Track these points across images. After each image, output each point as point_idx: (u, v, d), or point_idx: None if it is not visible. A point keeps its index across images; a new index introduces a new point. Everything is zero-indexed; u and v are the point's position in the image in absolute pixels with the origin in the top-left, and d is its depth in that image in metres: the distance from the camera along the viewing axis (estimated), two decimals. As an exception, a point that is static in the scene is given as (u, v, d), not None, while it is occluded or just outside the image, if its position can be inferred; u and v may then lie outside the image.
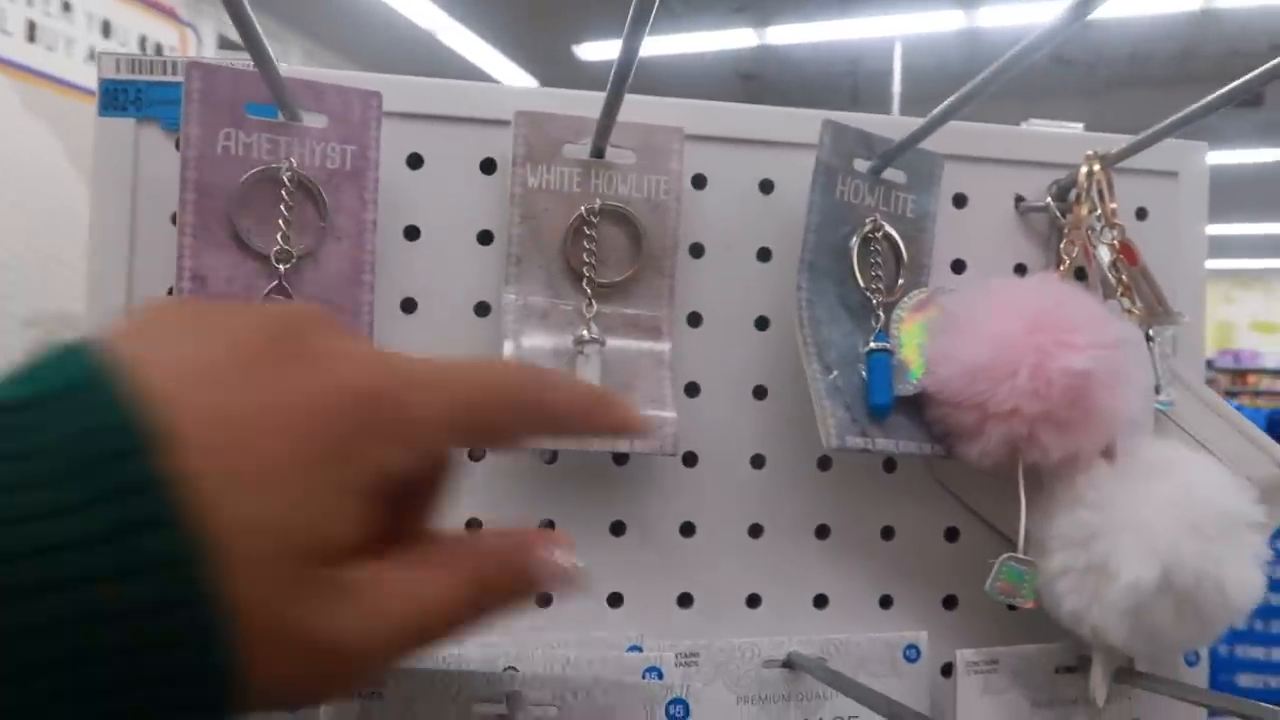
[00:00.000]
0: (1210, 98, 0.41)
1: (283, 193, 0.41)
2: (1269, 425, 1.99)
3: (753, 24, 5.09)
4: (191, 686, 0.20)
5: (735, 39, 5.29)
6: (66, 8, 2.63)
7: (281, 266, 0.41)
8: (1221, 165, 6.89)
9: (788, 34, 5.16)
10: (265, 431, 0.21)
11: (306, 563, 0.21)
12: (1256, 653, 2.20)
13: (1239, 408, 1.92)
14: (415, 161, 0.46)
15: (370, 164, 0.43)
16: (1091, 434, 0.43)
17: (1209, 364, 9.63)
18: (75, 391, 0.20)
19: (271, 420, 0.21)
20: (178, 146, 0.41)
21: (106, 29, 2.79)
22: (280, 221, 0.41)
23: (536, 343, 0.44)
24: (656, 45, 5.31)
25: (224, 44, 4.59)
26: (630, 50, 0.36)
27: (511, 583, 0.25)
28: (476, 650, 0.42)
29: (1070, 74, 5.65)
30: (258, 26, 0.35)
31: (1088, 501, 0.43)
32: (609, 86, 0.40)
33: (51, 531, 0.19)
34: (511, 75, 5.54)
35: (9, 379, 0.21)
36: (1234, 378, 9.39)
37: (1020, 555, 0.43)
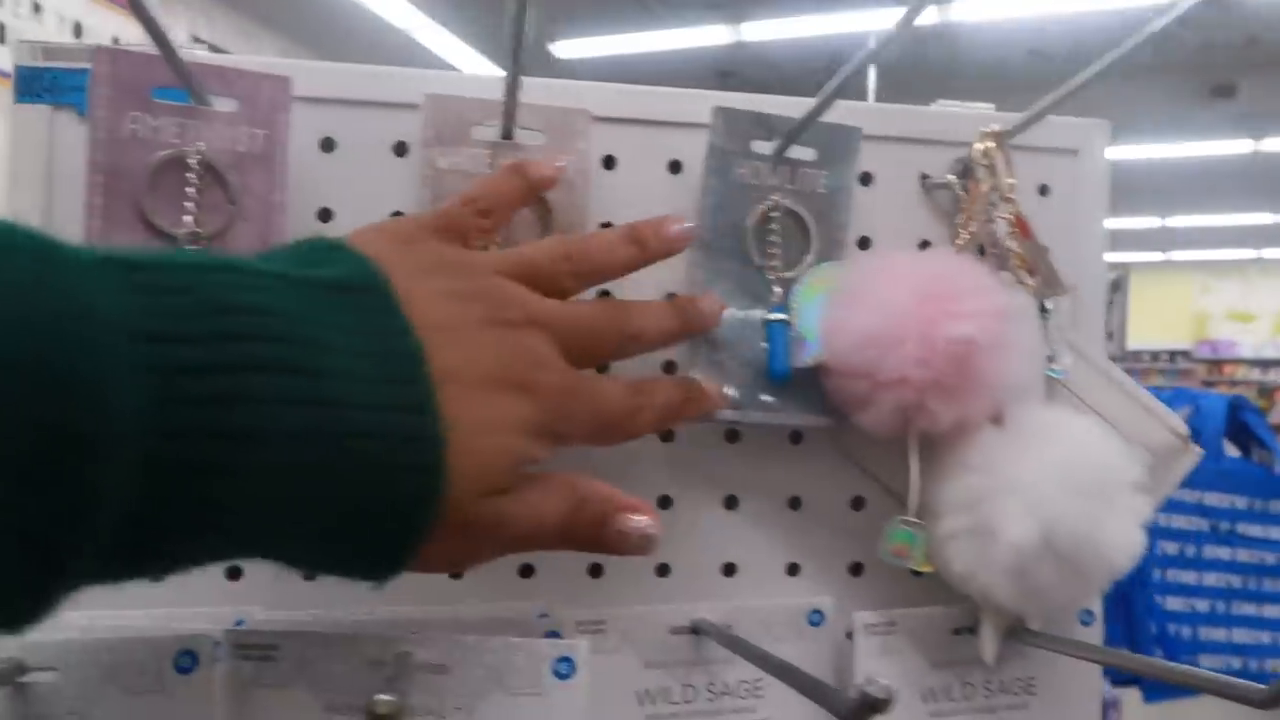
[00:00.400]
0: (1090, 70, 0.43)
1: (191, 175, 0.42)
2: (1229, 410, 2.02)
3: (727, 20, 5.11)
4: (391, 535, 0.29)
5: (711, 36, 5.31)
6: (37, 9, 2.62)
7: (191, 248, 0.42)
8: (1195, 157, 6.96)
9: (763, 30, 5.18)
10: (488, 390, 0.32)
11: (489, 485, 0.31)
12: (1218, 634, 2.24)
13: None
14: (328, 145, 0.47)
15: (279, 147, 0.44)
16: (978, 400, 0.44)
17: (1186, 354, 9.73)
18: (369, 289, 0.30)
19: (492, 384, 0.32)
20: (90, 131, 0.42)
21: (78, 30, 2.78)
22: (188, 204, 0.42)
23: (444, 319, 0.45)
24: (634, 43, 5.33)
25: (196, 43, 4.59)
26: (518, 29, 0.38)
27: (599, 531, 0.35)
28: (383, 614, 0.43)
29: (1049, 66, 5.70)
30: (152, 11, 0.36)
31: (974, 466, 0.44)
32: (508, 67, 0.41)
33: (358, 394, 0.27)
34: (486, 72, 5.55)
35: (298, 254, 0.32)
36: (1211, 368, 9.50)
37: (911, 519, 0.45)
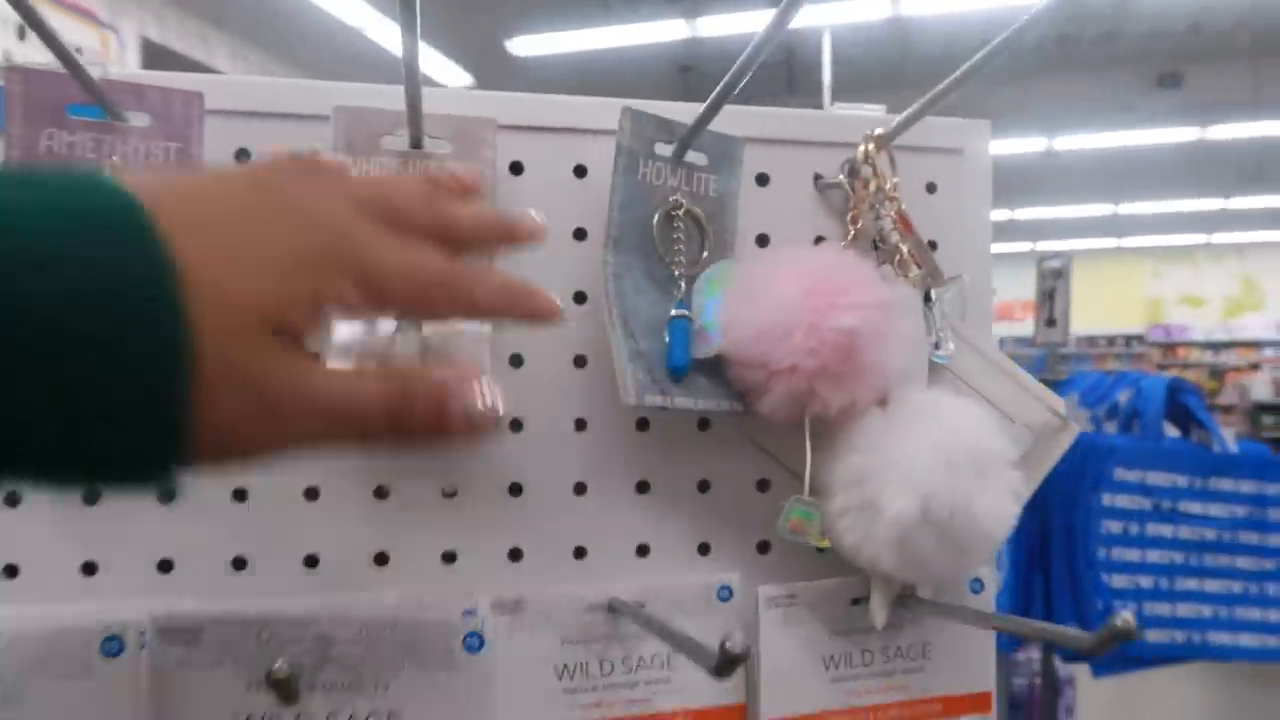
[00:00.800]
0: (958, 73, 0.46)
1: (108, 188, 0.44)
2: (1169, 393, 2.09)
3: (684, 15, 5.14)
4: (145, 394, 0.24)
5: (669, 31, 5.33)
6: (-21, 11, 2.58)
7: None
8: (1144, 145, 7.11)
9: (719, 25, 5.22)
10: (245, 229, 0.27)
11: (262, 330, 0.26)
12: (1163, 609, 2.32)
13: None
14: (243, 156, 0.49)
15: (194, 159, 0.46)
16: (864, 386, 0.47)
17: (1140, 339, 9.95)
18: (80, 176, 0.26)
19: (254, 225, 0.28)
20: (8, 147, 0.44)
21: (22, 32, 2.74)
22: (107, 214, 0.44)
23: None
24: (592, 39, 5.34)
25: (148, 46, 4.53)
26: (410, 44, 0.40)
27: (438, 413, 0.30)
28: (309, 601, 0.45)
29: (998, 60, 5.80)
30: (57, 32, 0.38)
31: (860, 447, 0.47)
32: (405, 80, 0.43)
33: (47, 243, 0.23)
34: (444, 70, 5.53)
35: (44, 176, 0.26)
36: (1165, 351, 9.72)
37: (805, 497, 0.48)
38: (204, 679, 0.38)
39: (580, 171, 0.53)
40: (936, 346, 0.53)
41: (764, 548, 0.55)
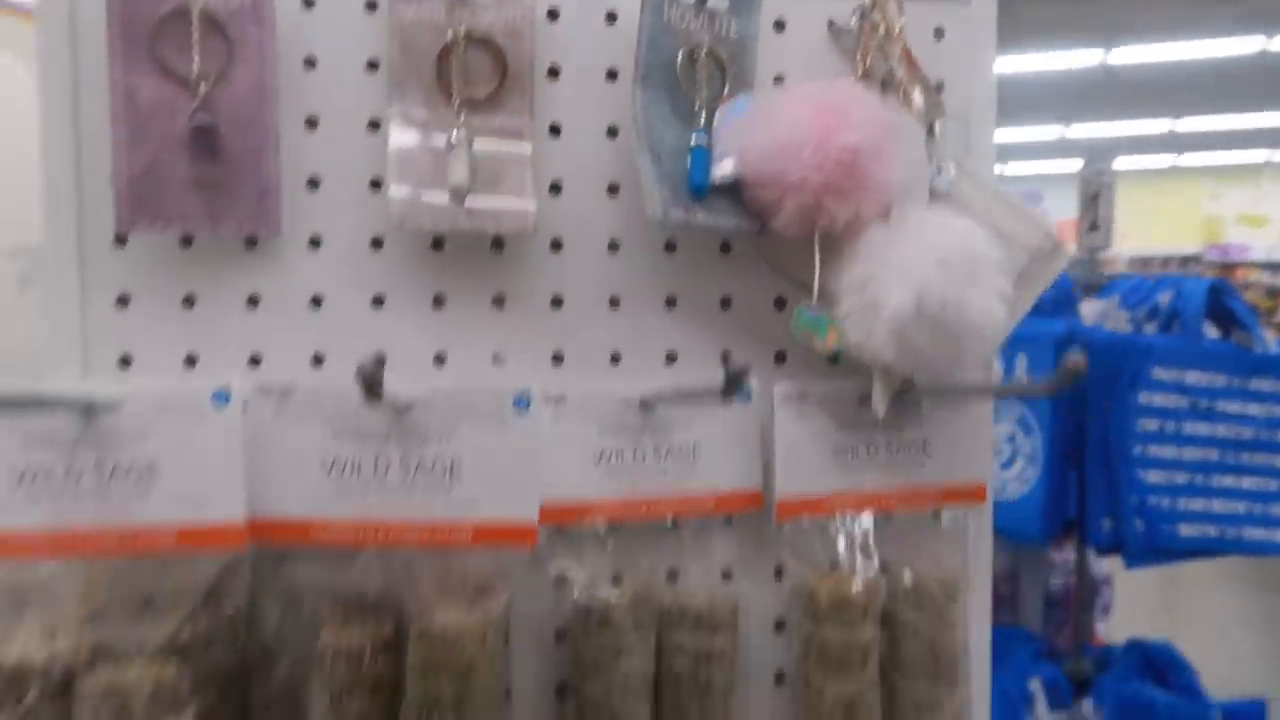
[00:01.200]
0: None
1: (193, 26, 0.50)
2: (1212, 294, 2.08)
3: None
4: None
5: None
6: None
7: (202, 85, 0.51)
8: (1202, 59, 6.83)
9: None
10: None
11: None
12: (1197, 504, 2.35)
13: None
14: (309, 2, 0.55)
15: (267, 3, 0.52)
16: (867, 200, 0.52)
17: (1197, 260, 9.71)
18: None
19: None
20: (108, -7, 0.50)
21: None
22: (194, 50, 0.51)
23: (417, 142, 0.54)
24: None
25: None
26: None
27: None
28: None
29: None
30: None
31: (864, 255, 0.53)
32: (453, -79, 0.48)
33: None
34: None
35: None
36: (1222, 272, 9.48)
37: (814, 304, 0.54)
38: (296, 427, 0.45)
39: (611, 17, 0.58)
40: (939, 173, 0.57)
41: (780, 358, 0.61)
